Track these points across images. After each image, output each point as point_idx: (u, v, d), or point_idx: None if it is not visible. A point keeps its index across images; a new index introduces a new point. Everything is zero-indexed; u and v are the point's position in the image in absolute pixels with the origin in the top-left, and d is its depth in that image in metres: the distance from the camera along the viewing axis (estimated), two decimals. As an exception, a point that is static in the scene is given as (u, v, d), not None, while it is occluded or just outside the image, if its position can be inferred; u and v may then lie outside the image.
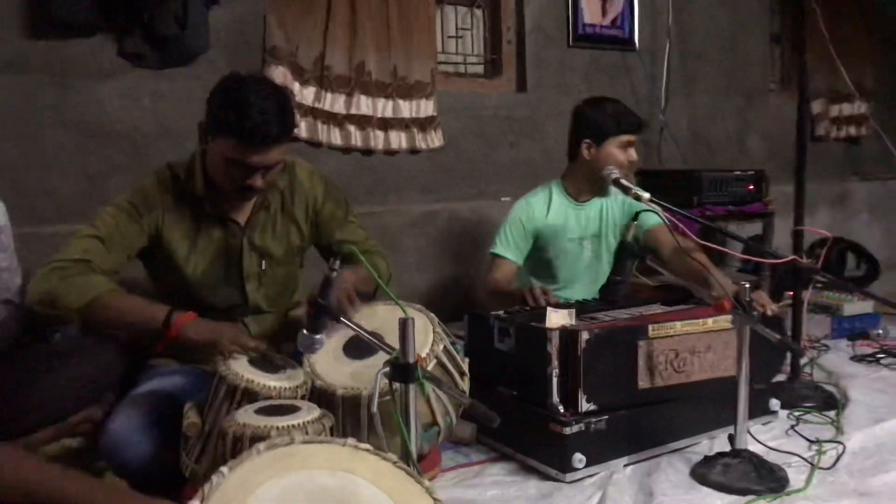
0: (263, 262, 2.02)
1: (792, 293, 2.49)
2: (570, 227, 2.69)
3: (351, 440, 1.28)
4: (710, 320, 2.02)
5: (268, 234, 2.02)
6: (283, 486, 1.13)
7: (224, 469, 1.14)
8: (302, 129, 3.25)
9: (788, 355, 2.25)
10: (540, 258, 2.73)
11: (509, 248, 2.65)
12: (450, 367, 1.83)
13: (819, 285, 2.92)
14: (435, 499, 1.21)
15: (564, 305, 2.21)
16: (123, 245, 1.86)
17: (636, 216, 2.12)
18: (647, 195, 2.01)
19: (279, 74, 3.16)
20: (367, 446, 1.28)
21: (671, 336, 1.97)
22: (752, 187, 3.79)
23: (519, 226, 2.66)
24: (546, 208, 2.69)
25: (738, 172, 3.80)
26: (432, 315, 1.89)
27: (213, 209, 1.95)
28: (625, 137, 2.58)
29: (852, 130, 5.52)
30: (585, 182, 2.66)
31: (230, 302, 2.00)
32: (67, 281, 1.74)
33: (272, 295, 2.06)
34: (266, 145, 1.77)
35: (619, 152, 2.58)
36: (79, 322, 1.77)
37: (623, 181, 2.07)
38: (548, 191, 2.73)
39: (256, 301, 2.03)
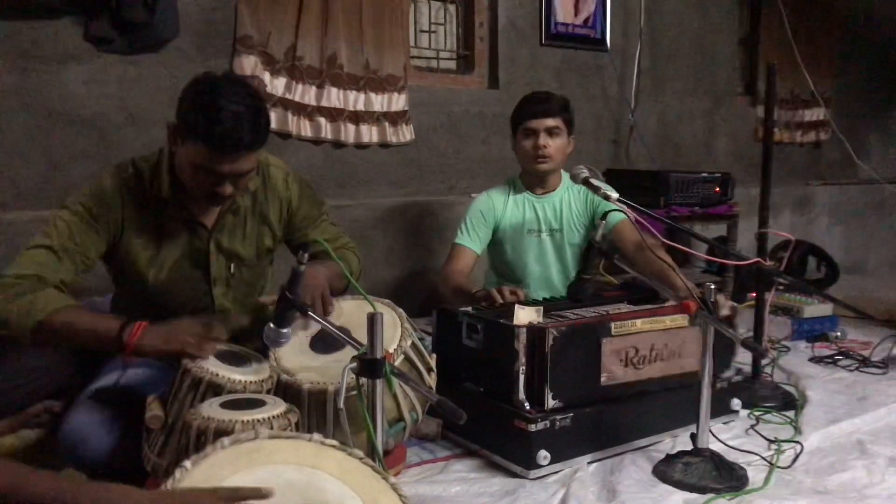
0: (231, 265, 1.95)
1: (755, 294, 2.53)
2: (529, 220, 2.71)
3: (317, 436, 1.28)
4: (667, 319, 2.06)
5: (237, 236, 1.94)
6: (247, 482, 1.12)
7: (187, 463, 1.13)
8: (272, 119, 3.20)
9: (737, 353, 2.29)
10: (502, 253, 2.75)
11: (468, 238, 2.67)
12: (417, 362, 1.83)
13: (781, 287, 2.98)
14: (400, 495, 1.22)
15: (532, 303, 2.22)
16: (79, 254, 1.75)
17: (604, 216, 2.13)
18: (615, 195, 2.03)
19: (249, 64, 3.12)
20: (334, 442, 1.28)
21: (632, 334, 2.00)
22: (718, 189, 3.85)
23: (479, 216, 2.68)
24: (505, 200, 2.72)
25: (705, 174, 3.86)
26: (401, 311, 1.89)
27: (179, 212, 1.86)
28: (526, 125, 2.61)
29: (812, 136, 5.64)
30: (527, 174, 2.71)
31: (196, 305, 1.92)
32: (14, 302, 1.63)
33: (240, 297, 2.00)
34: (237, 153, 1.68)
35: (523, 141, 2.63)
36: (31, 343, 1.67)
37: (592, 180, 2.08)
38: (509, 185, 2.77)
39: (223, 304, 1.96)
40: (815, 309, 3.18)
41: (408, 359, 1.80)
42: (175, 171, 1.81)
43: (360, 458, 1.26)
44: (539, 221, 2.71)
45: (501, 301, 2.21)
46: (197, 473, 1.12)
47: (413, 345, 1.82)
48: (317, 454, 1.23)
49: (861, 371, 2.73)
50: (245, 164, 1.73)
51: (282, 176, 2.01)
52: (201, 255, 1.91)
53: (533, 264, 2.73)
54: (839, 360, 2.85)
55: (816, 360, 2.86)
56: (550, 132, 2.60)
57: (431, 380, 1.87)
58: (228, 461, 1.16)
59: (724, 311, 2.16)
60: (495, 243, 2.73)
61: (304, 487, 1.15)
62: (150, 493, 1.08)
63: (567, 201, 2.72)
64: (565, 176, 2.73)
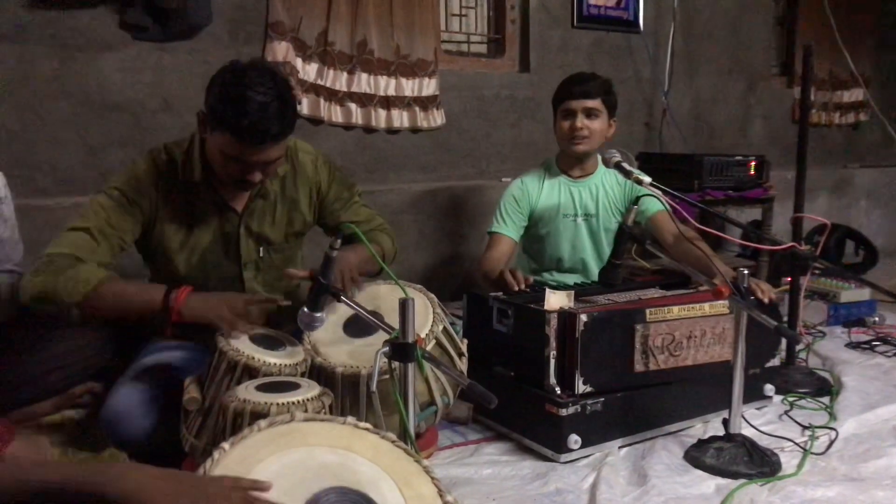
0: (261, 248, 1.98)
1: (790, 279, 2.50)
2: (565, 204, 2.67)
3: (351, 419, 1.30)
4: (706, 305, 2.03)
5: (266, 220, 1.97)
6: (283, 463, 1.15)
7: (225, 445, 1.16)
8: (304, 105, 3.24)
9: (783, 341, 2.26)
10: (536, 237, 2.73)
11: (505, 225, 2.65)
12: (448, 347, 1.84)
13: (817, 272, 2.93)
14: (433, 477, 1.23)
15: (563, 288, 2.22)
16: (115, 237, 1.81)
17: (637, 200, 2.12)
18: (647, 179, 2.00)
19: (281, 50, 3.14)
20: (367, 425, 1.29)
21: (668, 320, 1.98)
22: (752, 172, 3.78)
23: (513, 202, 2.66)
24: (540, 185, 2.69)
25: (740, 157, 3.79)
26: (432, 296, 1.90)
27: (210, 196, 1.89)
28: (565, 105, 2.58)
29: (851, 117, 5.52)
30: (565, 156, 2.68)
31: (226, 289, 1.93)
32: (61, 275, 1.68)
33: (270, 281, 2.02)
34: (264, 144, 1.70)
35: (561, 122, 2.59)
36: (78, 316, 1.73)
37: (624, 164, 2.06)
38: (543, 169, 2.73)
39: (254, 288, 1.99)
40: (853, 294, 3.13)
41: (439, 343, 1.81)
42: (206, 156, 1.85)
43: (393, 441, 1.28)
44: (575, 205, 2.67)
45: (516, 288, 2.22)
46: (235, 454, 1.15)
47: (444, 329, 1.84)
48: (351, 437, 1.25)
49: (899, 357, 2.69)
50: (273, 152, 1.75)
51: (311, 160, 2.03)
52: (231, 239, 1.95)
53: (566, 248, 2.70)
54: (877, 345, 2.80)
55: (853, 345, 2.82)
56: (589, 113, 2.56)
57: (463, 364, 1.89)
58: (265, 443, 1.18)
59: (765, 298, 2.14)
60: (530, 227, 2.71)
61: (337, 469, 1.17)
62: (162, 471, 1.10)
63: (604, 186, 2.67)
64: (602, 162, 2.69)
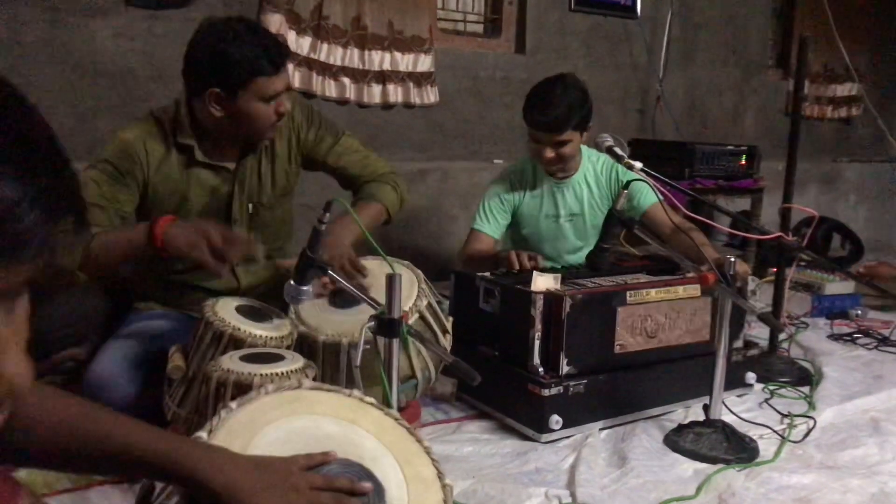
0: (251, 205, 2.01)
1: (776, 269, 2.52)
2: (547, 206, 2.62)
3: (357, 392, 1.29)
4: (679, 288, 2.08)
5: (255, 177, 2.00)
6: (289, 429, 1.15)
7: (233, 404, 1.15)
8: (296, 79, 3.21)
9: (746, 322, 2.28)
10: (520, 234, 2.70)
11: (487, 224, 2.61)
12: (432, 323, 1.84)
13: (803, 263, 2.95)
14: (433, 459, 1.22)
15: (551, 271, 2.23)
16: (112, 208, 1.82)
17: (627, 185, 2.12)
18: (639, 165, 2.01)
19: (275, 22, 3.12)
20: (372, 400, 1.29)
21: (647, 303, 2.01)
22: (743, 163, 3.80)
23: (497, 201, 2.61)
24: (524, 186, 2.63)
25: (731, 147, 3.81)
26: (419, 272, 1.90)
27: (202, 157, 1.92)
28: (532, 132, 2.44)
29: (843, 111, 5.53)
30: None
31: None
32: None
33: (262, 240, 2.01)
34: (285, 66, 1.84)
35: (532, 145, 2.46)
36: (83, 278, 1.74)
37: (616, 149, 2.06)
38: (528, 166, 2.64)
39: None
40: (837, 286, 3.15)
41: (422, 318, 1.81)
42: (196, 119, 1.88)
43: (396, 419, 1.27)
44: (558, 208, 2.61)
45: (518, 267, 2.22)
46: (242, 415, 1.14)
47: (429, 305, 1.84)
48: (356, 410, 1.24)
49: (880, 350, 2.71)
50: (287, 79, 1.89)
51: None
52: (224, 198, 1.97)
53: (553, 249, 2.67)
54: (858, 338, 2.83)
55: (835, 337, 2.85)
56: (559, 145, 2.41)
57: (447, 341, 1.89)
58: (272, 406, 1.17)
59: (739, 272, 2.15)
60: (513, 226, 2.68)
61: (341, 440, 1.17)
62: (255, 461, 1.04)
63: (587, 183, 2.61)
64: (585, 153, 2.62)
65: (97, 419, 0.98)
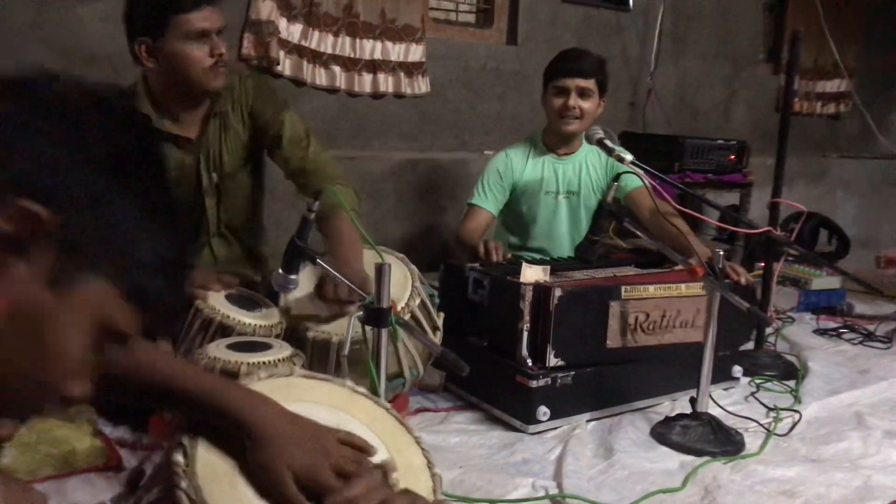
0: (215, 175, 2.06)
1: (763, 264, 2.53)
2: (548, 181, 2.66)
3: (349, 382, 1.29)
4: (682, 286, 2.05)
5: (215, 144, 2.05)
6: None
7: None
8: (286, 66, 3.19)
9: (755, 326, 2.29)
10: (516, 213, 2.72)
11: (485, 198, 2.63)
12: (423, 321, 1.83)
13: (790, 258, 2.97)
14: (423, 449, 1.23)
15: (540, 262, 2.22)
16: None
17: (617, 177, 2.12)
18: (629, 157, 2.01)
19: (266, 8, 3.09)
20: (364, 390, 1.29)
21: (644, 298, 2.00)
22: (733, 157, 3.81)
23: (496, 176, 2.64)
24: (525, 160, 2.67)
25: (721, 141, 3.82)
26: (414, 268, 1.88)
27: (166, 128, 1.97)
28: (558, 82, 2.54)
29: (832, 108, 5.56)
30: (552, 132, 2.65)
31: (191, 219, 2.04)
32: None
33: (231, 210, 2.11)
34: (209, 4, 1.86)
35: (553, 99, 2.56)
36: None
37: (607, 142, 2.06)
38: (528, 143, 2.71)
39: (216, 215, 2.09)
40: (824, 281, 3.17)
41: (414, 317, 1.80)
42: (152, 92, 1.95)
43: (387, 409, 1.27)
44: (557, 183, 2.66)
45: (494, 258, 2.22)
46: None
47: (422, 303, 1.83)
48: (348, 399, 1.25)
49: (865, 345, 2.73)
50: (217, 18, 1.90)
51: (240, 79, 2.09)
52: (191, 170, 2.03)
53: (548, 226, 2.69)
54: (844, 333, 2.85)
55: (821, 332, 2.86)
56: (582, 93, 2.52)
57: (436, 338, 1.88)
58: (265, 392, 1.17)
59: (742, 280, 2.16)
60: (510, 201, 2.70)
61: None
62: (288, 412, 1.08)
63: (587, 163, 2.67)
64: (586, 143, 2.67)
65: (151, 358, 1.06)
